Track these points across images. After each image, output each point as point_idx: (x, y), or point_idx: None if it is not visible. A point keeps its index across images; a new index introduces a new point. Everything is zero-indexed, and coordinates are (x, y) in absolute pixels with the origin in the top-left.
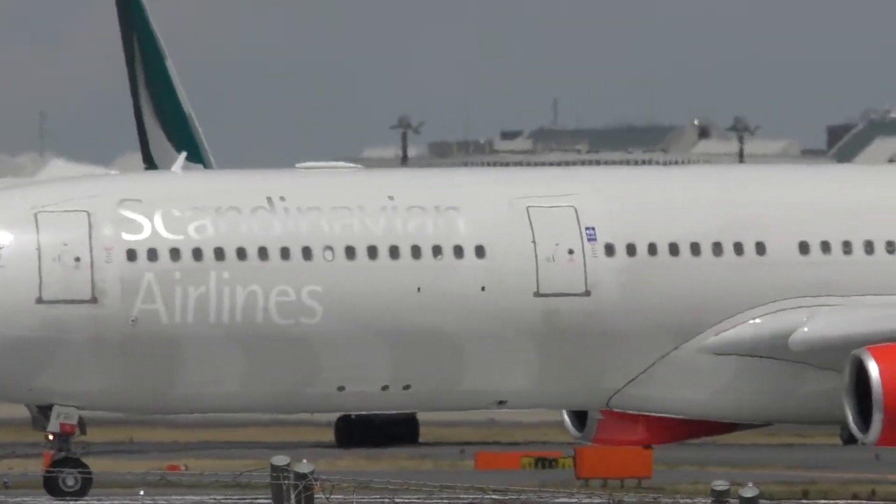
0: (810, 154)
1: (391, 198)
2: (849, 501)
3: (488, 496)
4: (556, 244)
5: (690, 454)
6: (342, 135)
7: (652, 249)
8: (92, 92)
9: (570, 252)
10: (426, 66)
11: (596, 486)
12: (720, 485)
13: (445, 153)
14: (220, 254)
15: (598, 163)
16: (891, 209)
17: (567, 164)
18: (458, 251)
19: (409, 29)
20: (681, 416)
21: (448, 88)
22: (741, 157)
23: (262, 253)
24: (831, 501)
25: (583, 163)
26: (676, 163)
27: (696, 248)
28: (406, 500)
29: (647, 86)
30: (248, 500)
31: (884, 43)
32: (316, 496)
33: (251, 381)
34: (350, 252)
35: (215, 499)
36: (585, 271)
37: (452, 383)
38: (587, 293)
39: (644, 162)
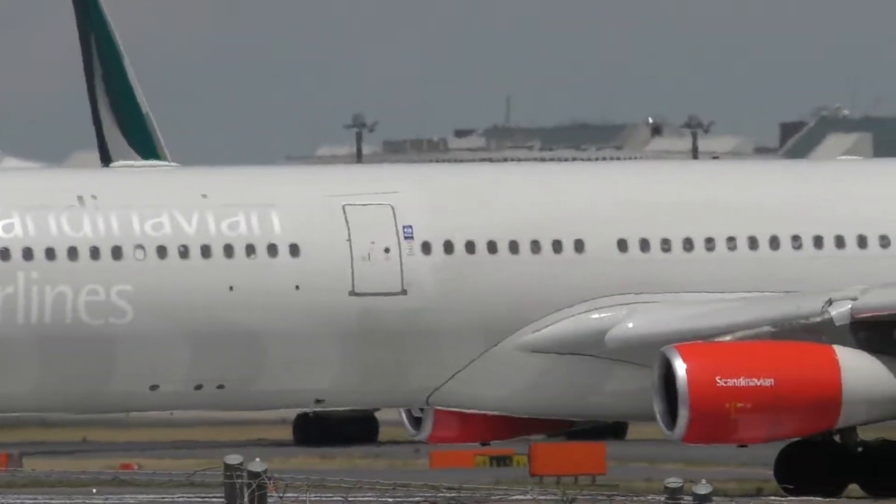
0: (763, 151)
1: (205, 196)
2: (802, 498)
3: (442, 494)
4: (372, 242)
5: (644, 451)
6: (296, 133)
7: (470, 247)
8: (47, 90)
9: (387, 250)
10: (380, 65)
11: (550, 483)
12: (674, 482)
13: (399, 151)
14: (28, 253)
15: (552, 160)
16: (709, 206)
17: (521, 160)
18: (273, 250)
19: (363, 27)
20: (498, 413)
21: (402, 87)
22: (695, 155)
23: (72, 252)
24: (785, 498)
25: (536, 160)
26: (631, 159)
27: (514, 246)
28: (360, 499)
29: (600, 83)
30: (201, 499)
31: (836, 41)
32: (269, 495)
33: (61, 381)
34: (161, 251)
35: (169, 498)
36: (402, 270)
37: (267, 382)
38: (403, 292)
39: (598, 159)
